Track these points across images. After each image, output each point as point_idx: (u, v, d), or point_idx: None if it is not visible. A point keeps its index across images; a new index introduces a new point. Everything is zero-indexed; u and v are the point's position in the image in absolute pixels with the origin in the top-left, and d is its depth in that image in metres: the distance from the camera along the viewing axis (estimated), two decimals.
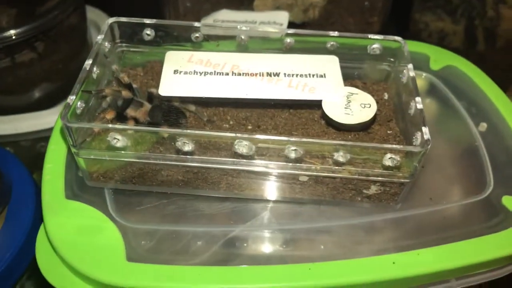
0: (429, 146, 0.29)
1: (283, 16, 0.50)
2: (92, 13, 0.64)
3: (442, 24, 0.65)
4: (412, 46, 0.45)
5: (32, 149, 0.55)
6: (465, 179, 0.36)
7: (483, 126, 0.39)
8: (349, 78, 0.38)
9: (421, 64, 0.44)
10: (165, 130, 0.30)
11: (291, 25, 0.53)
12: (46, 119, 0.53)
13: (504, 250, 0.31)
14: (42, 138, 0.54)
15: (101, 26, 0.63)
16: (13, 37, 0.47)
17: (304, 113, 0.35)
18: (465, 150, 0.38)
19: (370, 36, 0.37)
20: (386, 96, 0.37)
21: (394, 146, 0.29)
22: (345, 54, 0.37)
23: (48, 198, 0.33)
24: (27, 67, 0.52)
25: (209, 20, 0.49)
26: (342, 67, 0.36)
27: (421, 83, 0.43)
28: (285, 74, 0.34)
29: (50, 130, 0.53)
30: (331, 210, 0.34)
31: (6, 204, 0.41)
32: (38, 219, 0.41)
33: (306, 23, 0.55)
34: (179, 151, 0.30)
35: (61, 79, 0.55)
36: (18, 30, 0.47)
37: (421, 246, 0.31)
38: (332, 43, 0.37)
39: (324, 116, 0.32)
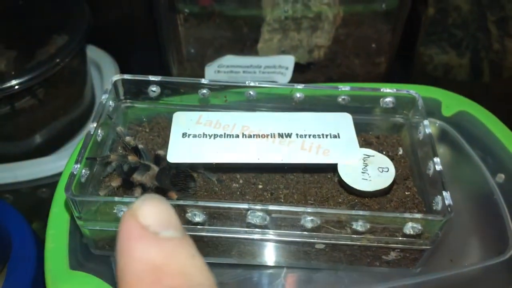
0: (452, 214, 0.28)
1: (289, 60, 0.49)
2: (93, 52, 0.62)
3: (447, 57, 0.64)
4: (423, 91, 0.44)
5: (33, 196, 0.53)
6: (486, 237, 0.35)
7: (501, 177, 0.38)
8: (362, 131, 0.37)
9: (432, 110, 0.43)
10: (174, 202, 0.29)
11: (296, 65, 0.52)
12: (47, 166, 0.52)
13: None
14: (42, 184, 0.53)
15: (101, 65, 0.61)
16: (16, 87, 0.46)
17: (316, 170, 0.34)
18: (483, 204, 0.37)
19: (383, 89, 0.36)
20: (400, 151, 0.36)
21: (415, 215, 0.28)
22: (357, 108, 0.36)
23: (51, 268, 0.32)
24: (28, 114, 0.51)
25: (213, 66, 0.48)
26: (354, 120, 0.35)
27: (433, 130, 0.42)
28: (297, 134, 0.32)
29: (51, 177, 0.52)
30: (348, 275, 0.32)
31: (6, 261, 0.39)
32: (39, 274, 0.40)
33: (311, 63, 0.54)
34: (189, 222, 0.29)
35: (62, 125, 0.54)
36: (19, 80, 0.46)
37: None
38: (343, 97, 0.36)
39: (341, 182, 0.31)
